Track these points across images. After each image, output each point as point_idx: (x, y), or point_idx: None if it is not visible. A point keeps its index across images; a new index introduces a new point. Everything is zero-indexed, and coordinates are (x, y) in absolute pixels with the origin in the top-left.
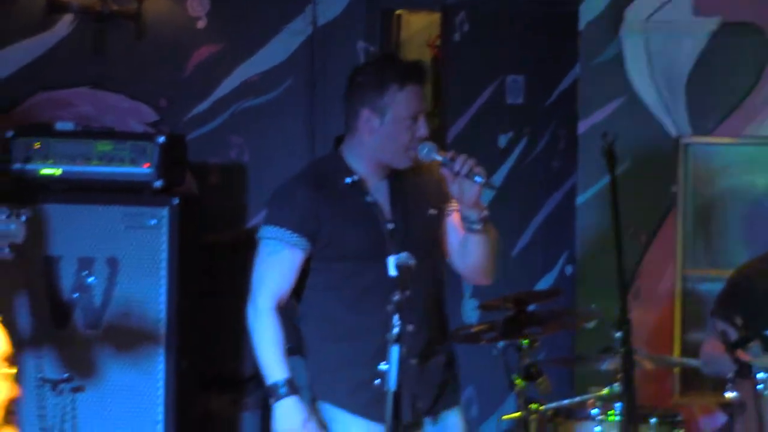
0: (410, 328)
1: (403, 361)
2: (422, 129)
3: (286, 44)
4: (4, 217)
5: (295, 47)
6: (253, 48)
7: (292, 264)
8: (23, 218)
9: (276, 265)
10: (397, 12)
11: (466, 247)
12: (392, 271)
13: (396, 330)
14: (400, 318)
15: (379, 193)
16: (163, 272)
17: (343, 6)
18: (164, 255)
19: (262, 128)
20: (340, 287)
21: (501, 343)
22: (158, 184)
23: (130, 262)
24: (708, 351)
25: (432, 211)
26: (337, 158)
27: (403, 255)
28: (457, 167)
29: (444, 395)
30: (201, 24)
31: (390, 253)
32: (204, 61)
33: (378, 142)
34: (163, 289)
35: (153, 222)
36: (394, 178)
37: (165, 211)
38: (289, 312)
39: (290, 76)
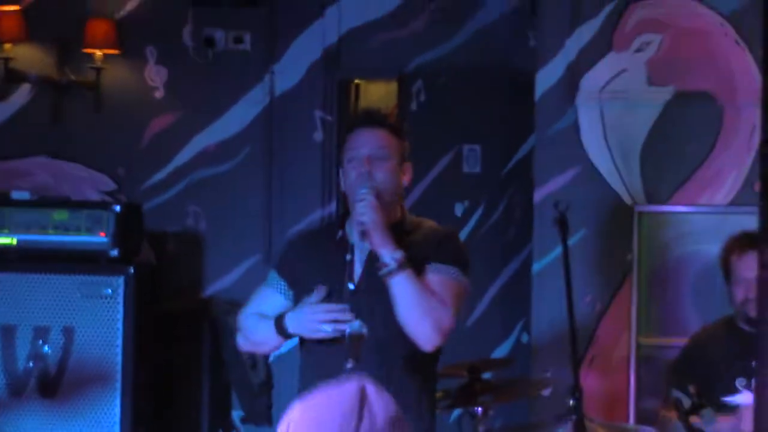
0: None
1: None
2: (358, 167)
3: (244, 114)
4: None
5: (253, 117)
6: (210, 117)
7: (271, 302)
8: None
9: (263, 301)
10: (355, 81)
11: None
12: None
13: None
14: None
15: (361, 253)
16: (119, 341)
17: (301, 76)
18: (120, 324)
19: (219, 197)
20: (305, 343)
21: (456, 411)
22: (114, 253)
23: (85, 332)
24: (662, 418)
25: None
26: (338, 218)
27: (356, 323)
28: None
29: None
30: (159, 94)
31: None
32: (162, 130)
33: (346, 194)
34: (118, 359)
35: (109, 291)
36: None
37: (121, 281)
38: None
39: (248, 145)
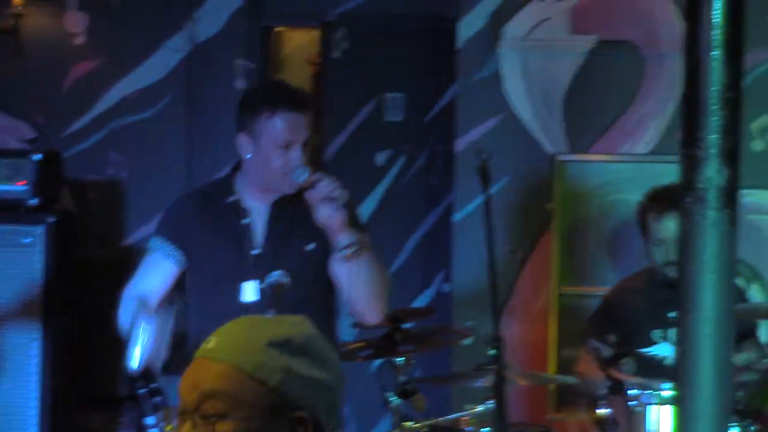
0: None
1: None
2: (295, 157)
3: (165, 61)
4: None
5: (174, 64)
6: (131, 64)
7: (163, 272)
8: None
9: (149, 271)
10: (277, 29)
11: (342, 279)
12: (245, 297)
13: None
14: None
15: (259, 217)
16: (38, 291)
17: (223, 23)
18: (39, 273)
19: (140, 145)
20: (201, 308)
21: (377, 361)
22: (34, 201)
23: (4, 281)
24: (582, 368)
25: (311, 246)
26: (227, 179)
27: (276, 273)
28: (318, 190)
29: None
30: (79, 40)
31: (248, 279)
32: (82, 77)
33: (254, 166)
34: (37, 308)
35: (28, 240)
36: (280, 205)
37: (40, 230)
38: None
39: (169, 92)
